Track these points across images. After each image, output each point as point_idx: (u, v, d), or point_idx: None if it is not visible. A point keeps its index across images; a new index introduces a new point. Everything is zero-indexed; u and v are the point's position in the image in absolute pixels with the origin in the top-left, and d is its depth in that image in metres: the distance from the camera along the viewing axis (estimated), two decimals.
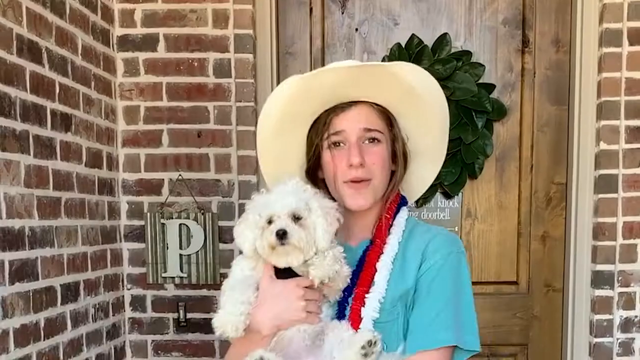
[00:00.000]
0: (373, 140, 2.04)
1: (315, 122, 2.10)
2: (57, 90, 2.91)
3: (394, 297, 2.03)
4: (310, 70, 3.62)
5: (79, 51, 3.11)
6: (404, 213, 2.16)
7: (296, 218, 1.90)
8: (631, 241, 3.52)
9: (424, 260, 2.06)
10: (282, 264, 1.93)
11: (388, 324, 2.03)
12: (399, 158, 2.12)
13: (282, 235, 1.87)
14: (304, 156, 2.16)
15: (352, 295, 2.03)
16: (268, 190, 2.00)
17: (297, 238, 1.88)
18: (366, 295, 2.01)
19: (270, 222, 1.91)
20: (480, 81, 3.60)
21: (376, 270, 2.04)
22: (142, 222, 3.57)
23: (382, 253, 2.07)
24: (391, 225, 2.12)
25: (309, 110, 2.08)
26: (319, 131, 2.06)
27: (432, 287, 2.03)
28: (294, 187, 1.96)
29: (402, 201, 2.19)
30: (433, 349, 1.98)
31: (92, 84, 3.25)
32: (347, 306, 2.03)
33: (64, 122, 2.96)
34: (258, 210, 1.95)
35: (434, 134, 2.18)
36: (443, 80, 3.51)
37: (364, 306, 2.00)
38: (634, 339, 3.55)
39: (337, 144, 2.05)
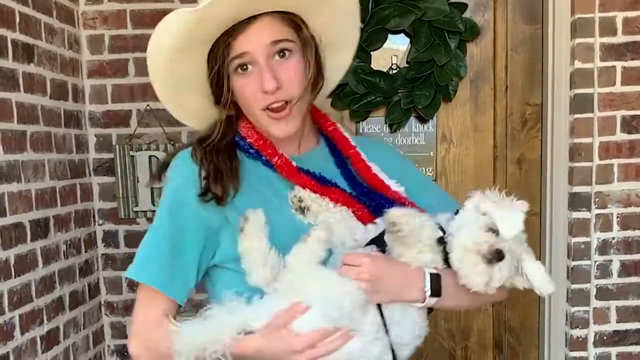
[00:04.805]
0: (283, 53, 1.80)
1: (213, 45, 1.83)
2: (18, 20, 2.82)
3: None
4: None
5: None
6: None
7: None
8: (607, 161, 3.48)
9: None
10: (471, 281, 1.70)
11: None
12: (310, 64, 1.86)
13: (498, 254, 1.66)
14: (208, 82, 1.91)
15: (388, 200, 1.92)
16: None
17: (505, 272, 1.68)
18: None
19: (489, 230, 1.69)
20: (452, 0, 3.53)
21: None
22: (111, 155, 3.50)
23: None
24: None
25: (206, 36, 1.81)
26: (219, 56, 1.80)
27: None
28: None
29: None
30: None
31: (54, 12, 3.16)
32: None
33: (26, 52, 2.88)
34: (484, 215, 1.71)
35: (344, 21, 1.95)
36: (414, 1, 3.45)
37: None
38: (611, 261, 3.53)
39: (244, 67, 1.80)
